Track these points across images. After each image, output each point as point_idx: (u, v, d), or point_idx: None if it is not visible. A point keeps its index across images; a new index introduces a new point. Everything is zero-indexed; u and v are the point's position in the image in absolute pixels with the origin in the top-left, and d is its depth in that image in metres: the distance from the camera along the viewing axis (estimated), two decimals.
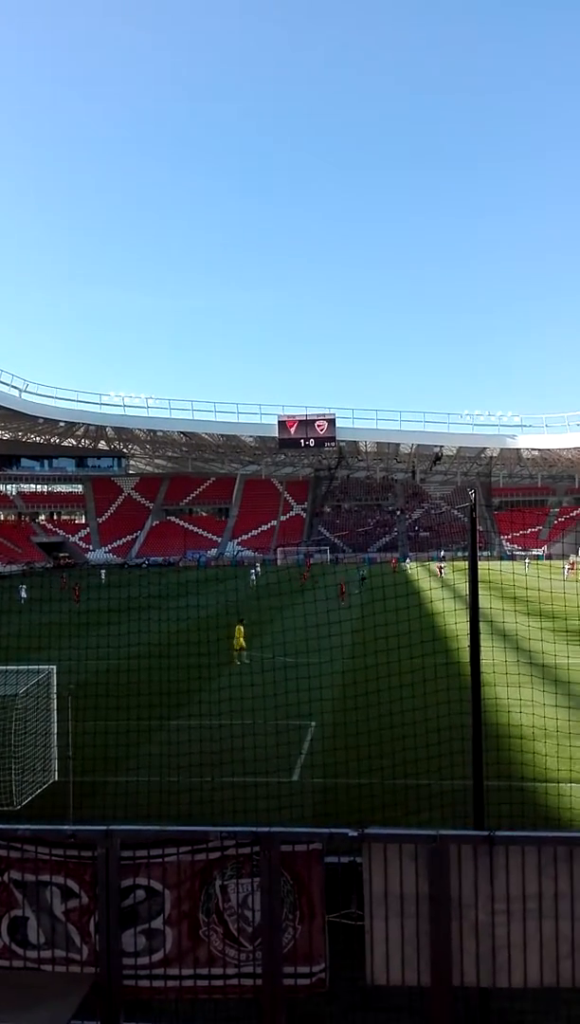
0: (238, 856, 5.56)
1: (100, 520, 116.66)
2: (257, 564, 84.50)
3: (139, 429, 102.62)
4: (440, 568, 62.41)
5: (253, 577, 64.45)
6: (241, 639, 26.88)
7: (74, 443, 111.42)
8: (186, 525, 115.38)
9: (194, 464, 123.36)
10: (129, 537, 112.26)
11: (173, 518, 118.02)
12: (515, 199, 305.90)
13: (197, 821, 9.85)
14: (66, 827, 5.87)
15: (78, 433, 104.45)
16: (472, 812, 7.00)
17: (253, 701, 13.57)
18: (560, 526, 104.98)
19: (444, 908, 5.37)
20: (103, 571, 77.66)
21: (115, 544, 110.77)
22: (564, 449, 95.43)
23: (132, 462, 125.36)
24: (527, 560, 75.38)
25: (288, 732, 15.55)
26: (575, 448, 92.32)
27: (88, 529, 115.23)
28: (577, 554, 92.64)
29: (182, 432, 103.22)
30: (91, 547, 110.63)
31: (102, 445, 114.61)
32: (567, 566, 57.21)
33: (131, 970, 5.55)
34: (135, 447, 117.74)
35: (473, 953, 5.39)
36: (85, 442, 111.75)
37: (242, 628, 27.13)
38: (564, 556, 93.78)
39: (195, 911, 5.56)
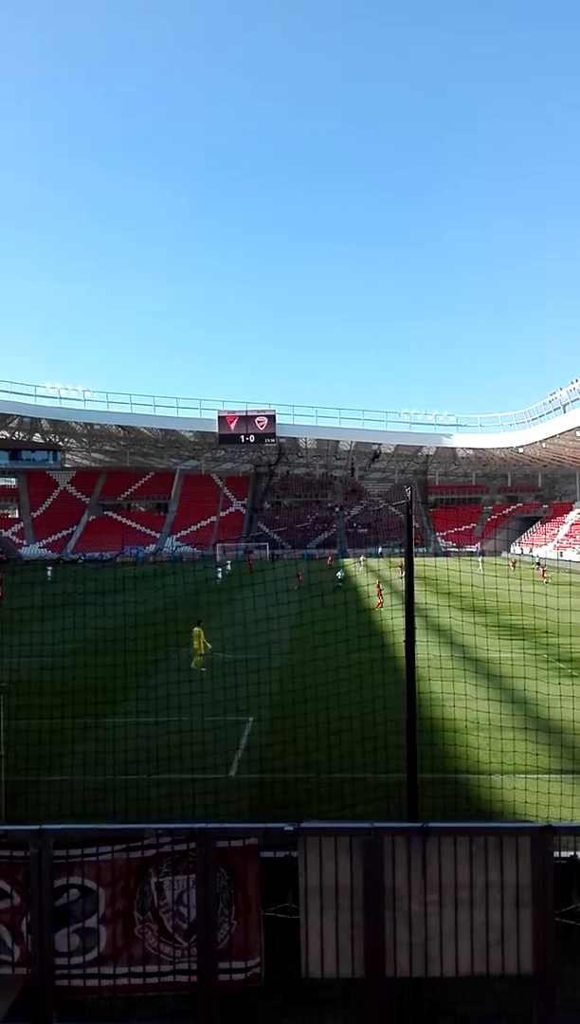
0: (174, 853, 5.53)
1: (34, 515, 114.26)
2: (227, 561, 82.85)
3: (75, 422, 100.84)
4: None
5: (220, 574, 62.48)
6: (201, 642, 24.54)
7: (7, 435, 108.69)
8: (124, 520, 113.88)
9: (132, 458, 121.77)
10: (65, 532, 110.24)
11: (110, 513, 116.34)
12: (457, 205, 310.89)
13: (134, 819, 9.77)
14: None
15: (11, 425, 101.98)
16: (406, 804, 7.12)
17: (191, 697, 13.51)
18: (493, 523, 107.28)
19: (378, 900, 5.44)
20: (49, 568, 74.62)
21: (50, 539, 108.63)
22: (497, 448, 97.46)
23: (68, 455, 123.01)
24: (481, 559, 75.72)
25: (226, 728, 15.53)
26: (507, 448, 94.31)
27: (22, 524, 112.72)
28: (510, 551, 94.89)
29: (120, 426, 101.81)
30: (25, 542, 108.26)
31: (37, 438, 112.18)
32: (538, 569, 57.72)
33: (64, 970, 5.48)
34: (71, 440, 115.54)
35: (406, 944, 5.48)
36: (19, 434, 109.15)
37: (201, 631, 24.83)
38: (496, 553, 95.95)
39: (130, 909, 5.52)
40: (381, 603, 38.30)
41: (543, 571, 56.49)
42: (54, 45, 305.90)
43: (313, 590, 39.12)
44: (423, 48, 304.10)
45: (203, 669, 22.84)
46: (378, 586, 42.18)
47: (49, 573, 67.23)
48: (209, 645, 24.83)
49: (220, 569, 65.14)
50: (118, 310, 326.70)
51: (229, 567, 71.76)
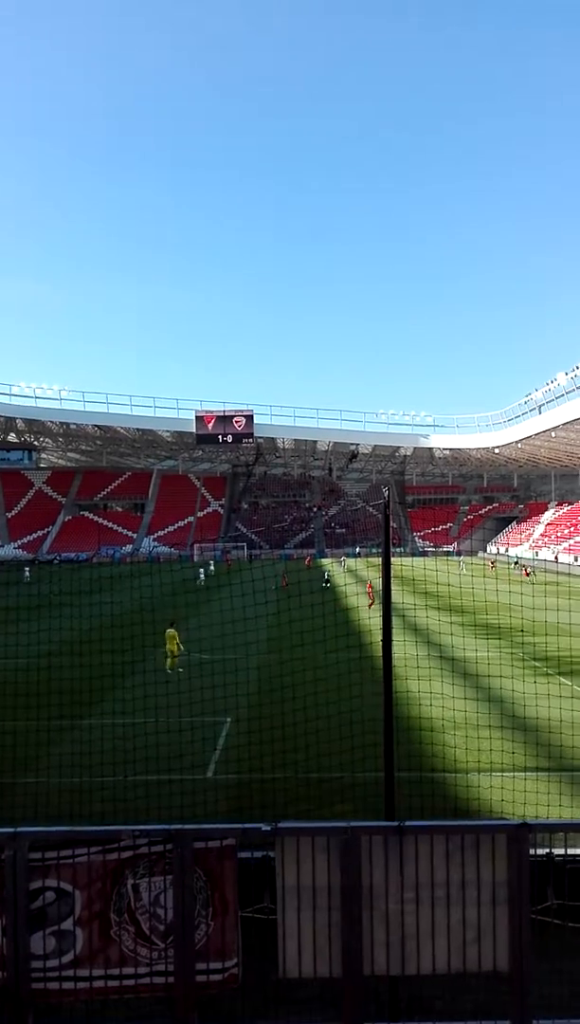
0: (151, 854, 5.51)
1: (9, 515, 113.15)
2: (210, 562, 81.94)
3: (51, 421, 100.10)
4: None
5: (202, 575, 61.67)
6: (175, 645, 24.02)
7: None
8: (100, 520, 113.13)
9: (109, 458, 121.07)
10: (40, 532, 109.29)
11: (87, 513, 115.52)
12: (436, 204, 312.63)
13: (110, 820, 9.71)
14: None
15: None
16: (383, 803, 7.14)
17: (168, 698, 13.46)
18: (469, 523, 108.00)
19: (355, 899, 5.45)
20: (27, 568, 73.23)
21: (25, 540, 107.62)
22: (474, 449, 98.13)
23: (43, 455, 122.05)
24: (459, 559, 75.81)
25: (203, 728, 15.49)
26: (484, 448, 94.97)
27: None
28: (486, 551, 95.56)
29: (96, 425, 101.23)
30: None
31: (11, 437, 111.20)
32: (519, 569, 57.96)
33: (40, 973, 5.44)
34: (47, 440, 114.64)
35: (383, 942, 5.49)
36: None
37: (175, 632, 24.25)
38: (472, 552, 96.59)
39: (106, 911, 5.49)
40: (372, 602, 38.26)
41: (526, 571, 56.92)
42: (52, 42, 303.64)
43: (293, 590, 39.13)
44: (421, 45, 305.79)
45: (180, 670, 22.69)
46: (370, 584, 42.25)
47: (27, 573, 66.36)
48: (182, 647, 24.62)
49: (202, 570, 64.28)
50: (95, 309, 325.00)
51: (212, 568, 70.74)
